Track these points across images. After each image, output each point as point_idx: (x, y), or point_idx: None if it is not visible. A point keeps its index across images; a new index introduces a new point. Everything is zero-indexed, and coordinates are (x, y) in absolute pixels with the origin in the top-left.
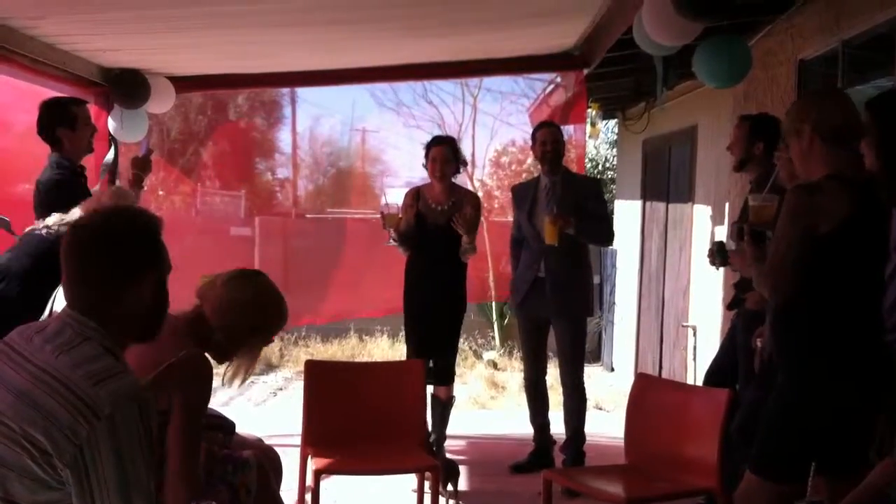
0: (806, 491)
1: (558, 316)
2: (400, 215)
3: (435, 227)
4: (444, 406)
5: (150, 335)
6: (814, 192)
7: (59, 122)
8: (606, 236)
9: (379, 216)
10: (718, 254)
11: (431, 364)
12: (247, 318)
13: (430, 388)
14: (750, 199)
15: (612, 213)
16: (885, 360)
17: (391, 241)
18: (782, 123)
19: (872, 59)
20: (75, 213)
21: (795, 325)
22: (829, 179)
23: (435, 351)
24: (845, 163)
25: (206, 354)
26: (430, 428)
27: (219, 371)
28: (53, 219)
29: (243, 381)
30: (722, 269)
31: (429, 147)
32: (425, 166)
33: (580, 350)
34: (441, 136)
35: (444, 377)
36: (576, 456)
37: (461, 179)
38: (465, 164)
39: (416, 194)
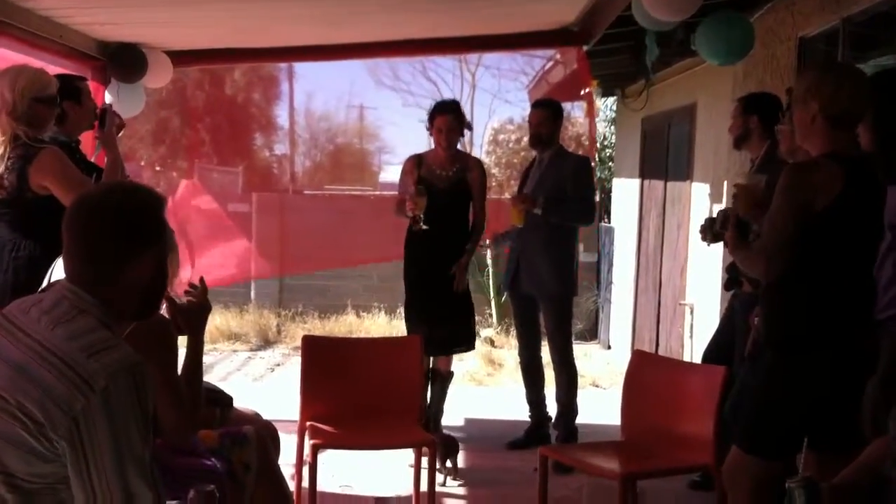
0: (796, 467)
1: (539, 295)
2: (419, 195)
3: (438, 192)
4: (443, 380)
5: (148, 313)
6: (809, 169)
7: (65, 95)
8: (580, 217)
9: (410, 201)
10: (710, 230)
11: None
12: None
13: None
14: (741, 179)
15: (609, 191)
16: (873, 337)
17: (421, 225)
18: (793, 88)
19: (874, 37)
20: None
21: (787, 302)
22: (824, 157)
23: (443, 319)
24: (844, 143)
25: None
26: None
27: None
28: None
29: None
30: (721, 249)
31: (433, 115)
32: (428, 129)
33: (564, 328)
34: (445, 103)
35: (465, 341)
36: (567, 432)
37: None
38: (469, 127)
39: (416, 161)
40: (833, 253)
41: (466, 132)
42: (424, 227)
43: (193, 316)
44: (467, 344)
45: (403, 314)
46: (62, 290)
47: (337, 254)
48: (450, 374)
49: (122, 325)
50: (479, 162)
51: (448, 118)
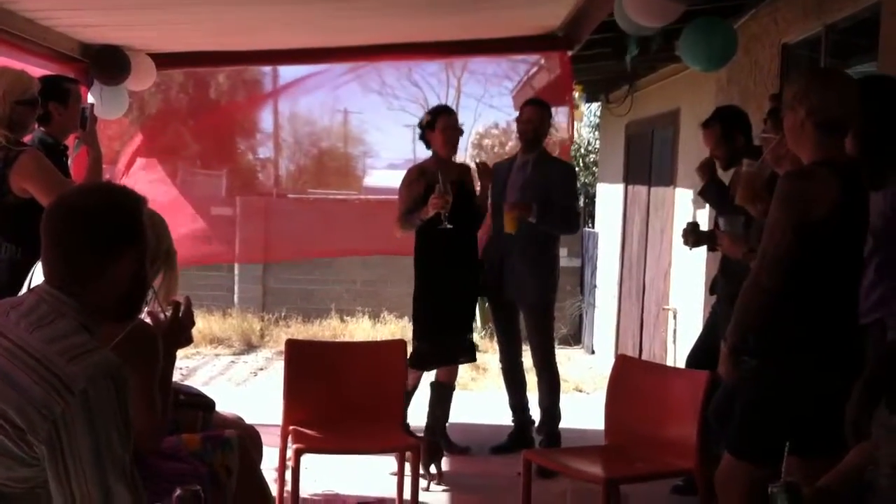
0: (780, 472)
1: (520, 302)
2: (447, 192)
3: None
4: (450, 390)
5: (128, 315)
6: (805, 178)
7: (51, 96)
8: (568, 226)
9: (438, 199)
10: (692, 234)
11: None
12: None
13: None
14: (745, 165)
15: (593, 196)
16: (861, 345)
17: (446, 224)
18: (781, 94)
19: (856, 44)
20: None
21: (779, 312)
22: (818, 165)
23: (452, 328)
24: (834, 149)
25: (142, 320)
26: (430, 418)
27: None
28: None
29: (169, 294)
30: (704, 254)
31: (435, 117)
32: (422, 137)
33: (546, 334)
34: (445, 106)
35: (473, 351)
36: (550, 437)
37: None
38: (461, 133)
39: (419, 170)
40: (828, 261)
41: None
42: (449, 225)
43: (170, 333)
44: (472, 355)
45: (413, 325)
46: (41, 293)
47: (322, 247)
48: (452, 386)
49: (103, 328)
50: (469, 167)
51: (452, 117)
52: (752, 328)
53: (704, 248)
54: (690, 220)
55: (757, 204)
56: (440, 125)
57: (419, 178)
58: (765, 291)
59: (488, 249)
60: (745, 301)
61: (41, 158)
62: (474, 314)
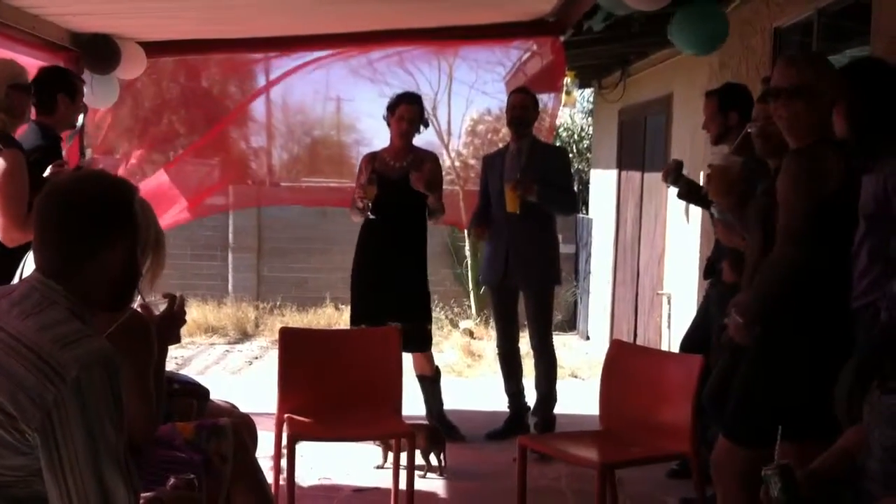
0: (773, 455)
1: (523, 285)
2: (368, 184)
3: (390, 183)
4: (431, 381)
5: (120, 305)
6: (814, 157)
7: (61, 87)
8: (569, 206)
9: (359, 189)
10: (674, 171)
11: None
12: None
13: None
14: (713, 160)
15: (587, 182)
16: (849, 324)
17: (369, 214)
18: (775, 81)
19: (848, 28)
20: None
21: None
22: (823, 143)
23: (392, 315)
24: (830, 129)
25: (137, 311)
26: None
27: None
28: None
29: (154, 278)
30: (698, 238)
31: (396, 104)
32: (386, 119)
33: (547, 317)
34: (410, 94)
35: (420, 344)
36: (545, 419)
37: (437, 148)
38: (426, 125)
39: (371, 157)
40: (833, 241)
41: (424, 128)
42: (371, 216)
43: (164, 327)
44: (419, 346)
45: (351, 305)
46: (33, 281)
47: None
48: (437, 374)
49: (95, 316)
50: (433, 156)
51: (413, 108)
52: (777, 300)
53: (697, 234)
54: (685, 206)
55: (730, 196)
56: (397, 113)
57: (367, 165)
58: (792, 262)
59: (490, 243)
60: (769, 273)
61: (16, 166)
62: (420, 305)
